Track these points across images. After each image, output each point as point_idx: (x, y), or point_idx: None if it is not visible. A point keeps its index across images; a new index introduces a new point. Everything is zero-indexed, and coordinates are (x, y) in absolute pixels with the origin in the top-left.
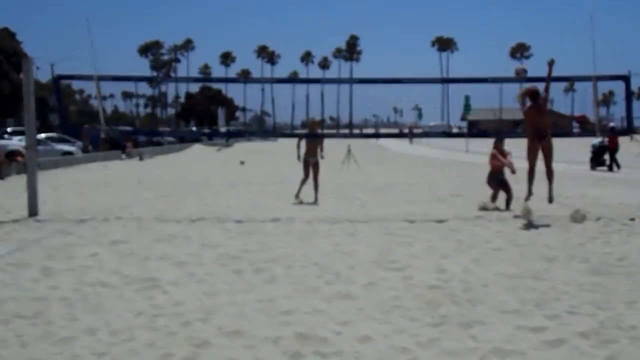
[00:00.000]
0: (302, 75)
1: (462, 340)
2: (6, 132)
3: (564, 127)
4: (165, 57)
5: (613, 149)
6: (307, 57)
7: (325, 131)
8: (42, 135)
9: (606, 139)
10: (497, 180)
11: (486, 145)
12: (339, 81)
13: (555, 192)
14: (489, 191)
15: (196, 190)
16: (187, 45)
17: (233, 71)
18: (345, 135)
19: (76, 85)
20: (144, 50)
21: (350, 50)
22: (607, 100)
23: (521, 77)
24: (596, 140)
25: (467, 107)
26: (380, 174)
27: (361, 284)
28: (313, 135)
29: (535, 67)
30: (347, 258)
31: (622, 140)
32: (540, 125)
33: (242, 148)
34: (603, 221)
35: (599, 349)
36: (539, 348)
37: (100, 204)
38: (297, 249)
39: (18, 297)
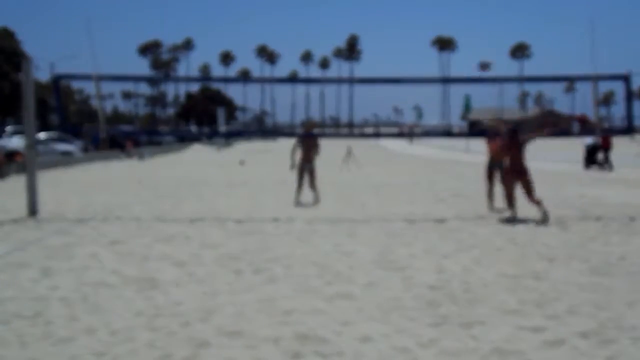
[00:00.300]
0: (302, 75)
1: (462, 340)
2: (3, 131)
3: (564, 127)
4: (165, 57)
5: (606, 148)
6: (307, 57)
7: (326, 131)
8: (42, 135)
9: (599, 139)
10: (497, 166)
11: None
12: (339, 81)
13: (556, 192)
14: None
15: (196, 190)
16: (187, 45)
17: (233, 71)
18: (345, 135)
19: (76, 85)
20: (144, 50)
21: (350, 50)
22: (607, 100)
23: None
24: (589, 140)
25: (467, 107)
26: (380, 174)
27: (361, 284)
28: (308, 137)
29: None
30: (347, 258)
31: (620, 140)
32: (518, 161)
33: (242, 148)
34: (603, 221)
35: (599, 349)
36: (539, 348)
37: (100, 204)
38: (297, 249)
39: (18, 297)
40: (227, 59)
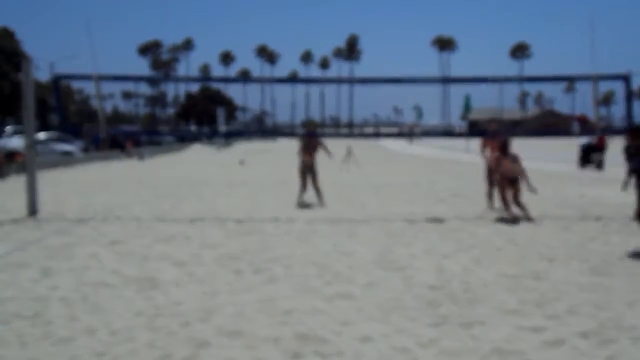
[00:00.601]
0: (302, 75)
1: (462, 340)
2: (3, 131)
3: (564, 126)
4: (165, 57)
5: (601, 149)
6: (307, 57)
7: (326, 131)
8: (42, 135)
9: (594, 139)
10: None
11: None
12: (339, 81)
13: (555, 192)
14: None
15: (196, 190)
16: (187, 45)
17: (233, 71)
18: (345, 135)
19: (76, 85)
20: (144, 50)
21: (350, 50)
22: (607, 100)
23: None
24: (584, 140)
25: (467, 107)
26: (380, 174)
27: (361, 284)
28: (310, 136)
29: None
30: (347, 258)
31: (620, 140)
32: (511, 172)
33: (242, 148)
34: (603, 221)
35: (599, 349)
36: (539, 348)
37: (100, 204)
38: (297, 249)
39: (18, 297)
40: (227, 59)
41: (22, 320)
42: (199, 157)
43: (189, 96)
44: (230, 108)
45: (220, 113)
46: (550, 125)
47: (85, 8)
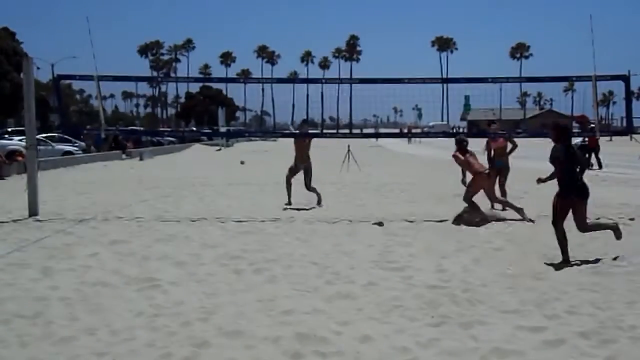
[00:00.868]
0: (302, 75)
1: (462, 340)
2: (7, 132)
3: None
4: (165, 57)
5: (593, 148)
6: (307, 57)
7: (325, 131)
8: (42, 135)
9: (586, 139)
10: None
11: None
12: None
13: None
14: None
15: (196, 190)
16: (187, 45)
17: (233, 71)
18: (345, 135)
19: (76, 85)
20: (144, 50)
21: (350, 50)
22: (607, 100)
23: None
24: (577, 140)
25: (467, 106)
26: (380, 174)
27: (361, 284)
28: (301, 136)
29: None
30: (347, 258)
31: (620, 140)
32: (482, 166)
33: (242, 148)
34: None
35: (599, 349)
36: (539, 348)
37: (100, 204)
38: (297, 249)
39: (18, 297)
40: (227, 59)
41: (22, 320)
42: (199, 157)
43: (189, 96)
44: (231, 108)
45: (221, 113)
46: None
47: (85, 8)
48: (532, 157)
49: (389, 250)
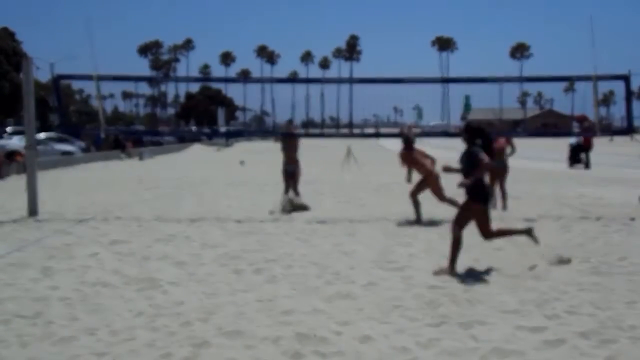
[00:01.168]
0: (302, 75)
1: (462, 340)
2: (5, 132)
3: (564, 127)
4: (165, 57)
5: (587, 148)
6: (307, 57)
7: (325, 131)
8: (42, 135)
9: (582, 139)
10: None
11: None
12: (339, 81)
13: (556, 191)
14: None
15: (196, 190)
16: (187, 45)
17: (233, 71)
18: (345, 135)
19: (76, 85)
20: (144, 50)
21: (350, 50)
22: (607, 100)
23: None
24: (573, 140)
25: (467, 106)
26: (380, 173)
27: (361, 284)
28: (289, 136)
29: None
30: (347, 258)
31: (621, 140)
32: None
33: (242, 148)
34: (603, 221)
35: (599, 349)
36: (539, 348)
37: (100, 204)
38: (297, 249)
39: (18, 297)
40: (227, 59)
41: (22, 320)
42: (199, 157)
43: (189, 96)
44: (231, 108)
45: (221, 113)
46: (550, 125)
47: (85, 8)
48: (532, 157)
49: (389, 250)
